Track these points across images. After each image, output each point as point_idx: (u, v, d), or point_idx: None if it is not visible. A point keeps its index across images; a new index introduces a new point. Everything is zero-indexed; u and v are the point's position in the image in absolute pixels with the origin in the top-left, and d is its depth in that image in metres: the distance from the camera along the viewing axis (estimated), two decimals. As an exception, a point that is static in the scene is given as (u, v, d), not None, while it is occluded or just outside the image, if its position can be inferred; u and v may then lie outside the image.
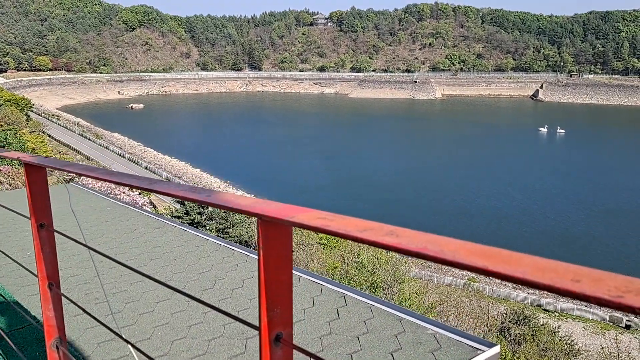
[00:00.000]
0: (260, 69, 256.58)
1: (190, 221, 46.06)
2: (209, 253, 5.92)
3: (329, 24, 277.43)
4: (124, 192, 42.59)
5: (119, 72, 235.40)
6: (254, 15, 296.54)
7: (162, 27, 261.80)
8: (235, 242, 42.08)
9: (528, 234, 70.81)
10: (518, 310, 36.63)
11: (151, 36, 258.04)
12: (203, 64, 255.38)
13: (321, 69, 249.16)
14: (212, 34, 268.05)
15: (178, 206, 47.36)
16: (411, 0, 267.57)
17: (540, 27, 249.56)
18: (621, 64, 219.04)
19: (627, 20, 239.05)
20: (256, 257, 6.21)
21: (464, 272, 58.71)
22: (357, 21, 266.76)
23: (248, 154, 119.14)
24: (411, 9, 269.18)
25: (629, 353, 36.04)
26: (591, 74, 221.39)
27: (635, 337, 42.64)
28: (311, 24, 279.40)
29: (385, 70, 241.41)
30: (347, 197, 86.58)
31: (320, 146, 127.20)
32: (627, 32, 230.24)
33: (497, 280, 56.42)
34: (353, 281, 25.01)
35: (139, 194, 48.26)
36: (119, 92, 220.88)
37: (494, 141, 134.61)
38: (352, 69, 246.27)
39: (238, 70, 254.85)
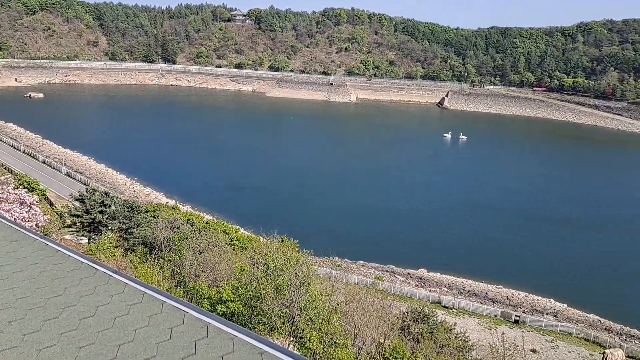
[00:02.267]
0: (174, 62, 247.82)
1: (91, 220, 43.33)
2: (66, 273, 5.36)
3: (247, 21, 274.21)
4: (9, 191, 39.02)
5: (17, 58, 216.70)
6: (169, 6, 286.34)
7: (67, 12, 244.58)
8: (139, 243, 39.95)
9: (424, 228, 74.46)
10: (419, 308, 38.17)
11: (54, 21, 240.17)
12: (112, 54, 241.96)
13: (238, 66, 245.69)
14: (122, 23, 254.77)
15: (77, 204, 44.30)
16: (329, 3, 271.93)
17: (447, 38, 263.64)
18: (517, 77, 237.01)
19: (523, 37, 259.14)
20: (121, 278, 5.84)
21: (372, 270, 60.54)
22: (276, 20, 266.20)
23: (157, 150, 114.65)
24: (329, 13, 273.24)
25: (516, 345, 38.93)
26: (491, 85, 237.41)
27: (522, 331, 46.26)
28: (229, 20, 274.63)
29: (303, 71, 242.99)
30: (244, 194, 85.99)
31: (233, 144, 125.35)
32: (523, 48, 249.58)
33: (402, 278, 58.73)
34: (260, 284, 24.78)
35: (27, 191, 44.53)
36: (15, 80, 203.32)
37: (402, 144, 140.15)
38: (270, 68, 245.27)
39: (150, 62, 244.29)
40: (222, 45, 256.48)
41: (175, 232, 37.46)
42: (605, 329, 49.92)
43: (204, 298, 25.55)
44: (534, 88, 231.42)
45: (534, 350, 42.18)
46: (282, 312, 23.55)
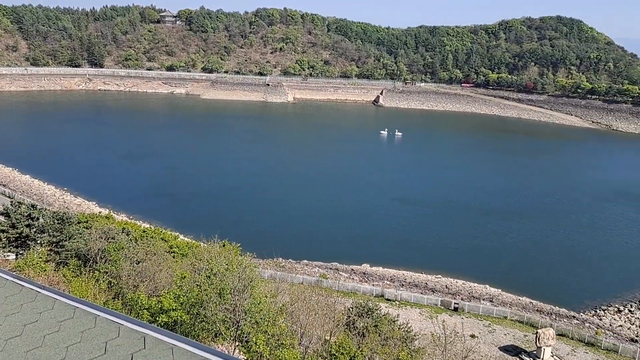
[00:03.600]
0: (101, 66, 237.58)
1: (17, 235, 40.96)
2: (-11, 291, 5.03)
3: (177, 22, 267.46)
4: None
5: None
6: (93, 8, 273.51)
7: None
8: (72, 256, 38.13)
9: (365, 224, 75.90)
10: (363, 302, 38.82)
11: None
12: (33, 59, 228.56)
13: (170, 68, 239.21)
14: (43, 26, 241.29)
15: (2, 218, 41.65)
16: (261, 4, 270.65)
17: (379, 38, 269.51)
18: (446, 74, 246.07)
19: (450, 35, 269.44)
20: (50, 293, 5.57)
21: (316, 269, 60.94)
22: (208, 21, 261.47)
23: (87, 158, 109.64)
24: (261, 13, 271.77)
25: (456, 332, 40.45)
26: (423, 82, 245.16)
27: (462, 317, 48.15)
28: (158, 21, 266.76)
29: (238, 72, 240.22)
30: (183, 200, 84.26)
31: (168, 149, 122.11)
32: (450, 46, 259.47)
33: (345, 275, 59.53)
34: (203, 291, 24.32)
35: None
36: None
37: (341, 143, 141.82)
38: (204, 70, 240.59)
39: (76, 66, 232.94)
40: (152, 47, 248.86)
41: (110, 242, 36.09)
42: (537, 310, 52.91)
43: (143, 309, 24.76)
44: (462, 84, 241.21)
45: (473, 336, 43.99)
46: (227, 317, 23.26)
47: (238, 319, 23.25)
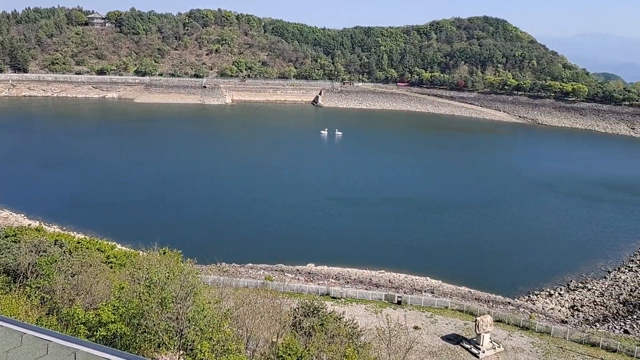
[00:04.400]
0: (26, 71, 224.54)
1: None
2: None
3: (107, 24, 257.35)
4: None
5: None
6: (15, 10, 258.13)
7: None
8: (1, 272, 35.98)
9: (309, 224, 76.36)
10: (309, 302, 39.03)
11: None
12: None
13: (101, 72, 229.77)
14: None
15: None
16: (194, 5, 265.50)
17: (316, 38, 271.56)
18: (382, 73, 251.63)
19: (385, 36, 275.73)
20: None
21: (261, 271, 60.54)
22: (139, 23, 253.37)
23: (12, 168, 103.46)
24: (195, 14, 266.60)
25: (400, 325, 41.44)
26: (360, 82, 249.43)
27: (405, 310, 49.42)
28: (86, 24, 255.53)
29: (173, 75, 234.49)
30: (118, 208, 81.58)
31: (101, 156, 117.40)
32: (385, 46, 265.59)
33: (291, 276, 59.57)
34: (143, 300, 23.63)
35: None
36: None
37: (281, 144, 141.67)
38: (137, 73, 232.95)
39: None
40: (81, 50, 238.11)
41: (42, 255, 34.32)
42: (476, 298, 55.20)
43: (80, 323, 23.74)
44: (398, 83, 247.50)
45: (416, 327, 45.28)
46: (169, 327, 22.73)
47: (182, 328, 22.79)
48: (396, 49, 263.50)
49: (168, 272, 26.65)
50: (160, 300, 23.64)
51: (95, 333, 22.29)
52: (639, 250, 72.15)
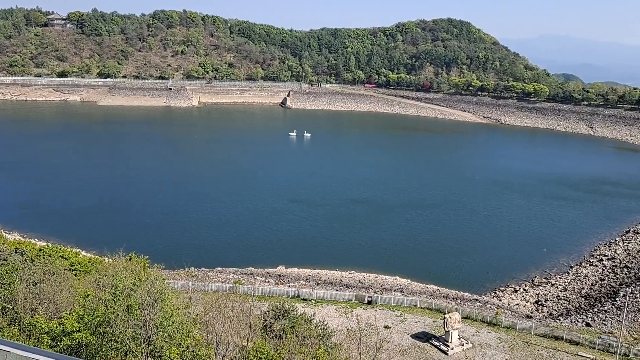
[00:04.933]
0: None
1: None
2: None
3: (68, 25, 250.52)
4: None
5: None
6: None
7: None
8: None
9: (278, 226, 76.18)
10: (279, 305, 38.93)
11: None
12: None
13: (62, 74, 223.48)
14: None
15: None
16: (158, 6, 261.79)
17: (283, 40, 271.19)
18: (350, 75, 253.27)
19: (351, 37, 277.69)
20: None
21: (230, 275, 59.99)
22: (102, 24, 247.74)
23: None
24: (159, 15, 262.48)
25: (371, 324, 41.74)
26: (328, 83, 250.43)
27: (375, 310, 49.82)
28: (46, 25, 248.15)
29: (138, 77, 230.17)
30: (81, 214, 79.72)
31: (62, 161, 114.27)
32: (352, 48, 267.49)
33: (261, 279, 59.25)
34: (109, 308, 23.16)
35: None
36: None
37: (250, 146, 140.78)
38: (100, 75, 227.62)
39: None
40: (41, 52, 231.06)
41: (2, 264, 33.25)
42: (444, 296, 56.12)
43: (43, 333, 23.10)
44: (365, 85, 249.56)
45: (386, 327, 45.70)
46: (137, 334, 22.35)
47: (149, 334, 22.44)
48: (363, 51, 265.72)
49: (134, 279, 26.24)
50: (126, 307, 23.27)
51: (59, 343, 21.74)
52: (599, 245, 74.72)
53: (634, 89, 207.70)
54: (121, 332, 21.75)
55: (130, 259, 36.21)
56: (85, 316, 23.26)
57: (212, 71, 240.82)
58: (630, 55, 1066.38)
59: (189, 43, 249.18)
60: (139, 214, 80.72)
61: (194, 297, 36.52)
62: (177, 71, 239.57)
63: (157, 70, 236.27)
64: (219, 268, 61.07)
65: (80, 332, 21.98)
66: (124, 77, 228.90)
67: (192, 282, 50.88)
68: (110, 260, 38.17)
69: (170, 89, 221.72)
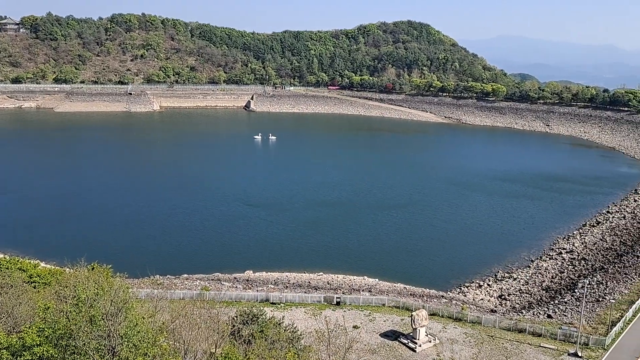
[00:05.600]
0: None
1: None
2: None
3: (21, 30, 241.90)
4: None
5: None
6: None
7: None
8: None
9: (244, 231, 75.71)
10: (248, 310, 38.67)
11: None
12: None
13: (16, 81, 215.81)
14: None
15: None
16: (116, 9, 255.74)
17: (245, 42, 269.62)
18: (313, 77, 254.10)
19: (314, 40, 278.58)
20: None
21: (197, 282, 59.15)
22: (57, 28, 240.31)
23: None
24: (117, 19, 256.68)
25: (340, 325, 41.95)
26: (292, 86, 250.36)
27: (344, 311, 50.08)
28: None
29: (96, 82, 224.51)
30: (39, 224, 77.37)
31: (11, 170, 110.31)
32: (315, 50, 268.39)
33: (228, 284, 58.65)
34: (71, 320, 22.52)
35: None
36: None
37: (214, 150, 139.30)
38: (56, 80, 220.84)
39: None
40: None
41: (-46, 280, 31.91)
42: (411, 294, 56.90)
43: (2, 348, 22.28)
44: (329, 87, 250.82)
45: (355, 327, 46.01)
46: (101, 345, 21.81)
47: (114, 345, 21.94)
48: (326, 53, 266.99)
49: (97, 288, 25.66)
50: (89, 318, 22.71)
51: (19, 358, 21.03)
52: (557, 239, 77.26)
53: (587, 87, 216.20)
54: (84, 344, 21.19)
55: (92, 269, 35.24)
56: (46, 329, 22.57)
57: (173, 75, 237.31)
58: (581, 54, 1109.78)
59: (149, 47, 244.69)
60: (101, 222, 78.67)
61: (160, 305, 35.86)
62: (137, 76, 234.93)
63: (116, 75, 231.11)
64: (185, 275, 60.16)
65: (41, 345, 21.32)
66: (82, 82, 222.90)
67: (158, 290, 49.94)
68: (71, 270, 37.08)
69: (131, 93, 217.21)
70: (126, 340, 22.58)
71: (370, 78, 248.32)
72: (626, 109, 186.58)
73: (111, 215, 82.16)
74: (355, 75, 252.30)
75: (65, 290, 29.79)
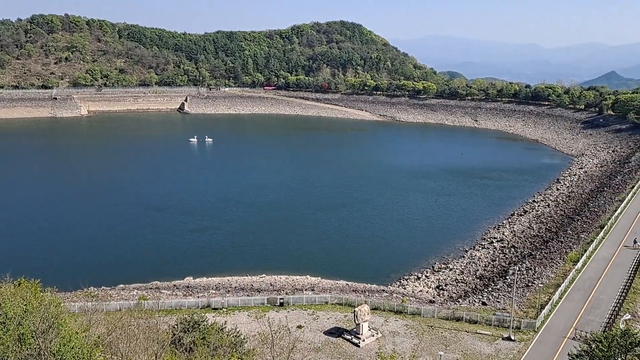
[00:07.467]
0: None
1: None
2: None
3: None
4: None
5: None
6: None
7: None
8: None
9: (180, 237, 74.11)
10: (188, 317, 37.79)
11: None
12: None
13: None
14: None
15: None
16: (36, 10, 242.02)
17: (177, 43, 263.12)
18: (249, 77, 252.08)
19: (248, 40, 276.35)
20: None
21: (134, 292, 57.10)
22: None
23: None
24: (38, 20, 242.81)
25: (284, 326, 41.90)
26: (227, 87, 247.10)
27: (288, 311, 50.10)
28: None
29: (17, 87, 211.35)
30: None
31: None
32: (249, 51, 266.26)
33: (168, 292, 57.09)
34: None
35: None
36: None
37: (147, 154, 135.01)
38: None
39: None
40: None
41: None
42: (353, 290, 57.75)
43: None
44: (265, 87, 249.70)
45: (300, 326, 46.13)
46: (31, 365, 20.67)
47: (45, 364, 20.85)
48: (260, 53, 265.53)
49: (25, 305, 24.34)
50: (18, 337, 21.47)
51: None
52: (489, 229, 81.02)
53: (510, 83, 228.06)
54: (12, 365, 20.01)
55: (19, 284, 33.24)
56: (-33, 353, 21.07)
57: (101, 78, 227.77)
58: (507, 53, 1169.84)
59: (74, 49, 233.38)
60: (25, 235, 74.21)
61: (95, 318, 34.42)
62: (62, 79, 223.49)
63: (39, 79, 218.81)
64: (122, 285, 57.94)
65: (-37, 371, 19.89)
66: (1, 87, 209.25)
67: (92, 303, 47.83)
68: (-6, 288, 34.73)
69: (56, 98, 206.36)
70: (59, 357, 21.58)
71: (306, 78, 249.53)
72: (546, 103, 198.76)
73: (37, 227, 77.70)
74: (291, 75, 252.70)
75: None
